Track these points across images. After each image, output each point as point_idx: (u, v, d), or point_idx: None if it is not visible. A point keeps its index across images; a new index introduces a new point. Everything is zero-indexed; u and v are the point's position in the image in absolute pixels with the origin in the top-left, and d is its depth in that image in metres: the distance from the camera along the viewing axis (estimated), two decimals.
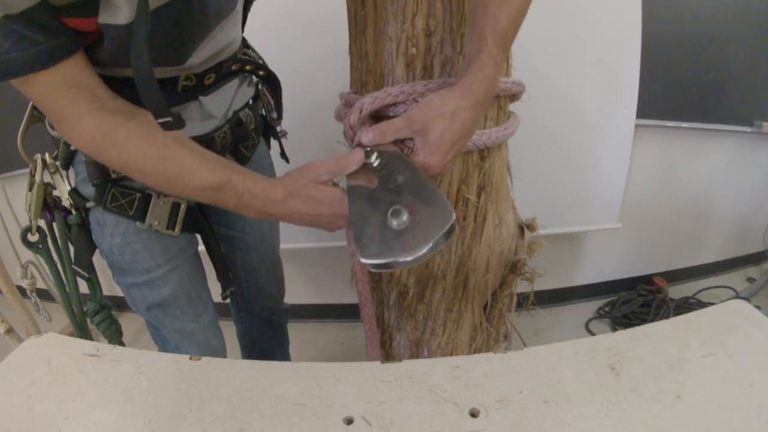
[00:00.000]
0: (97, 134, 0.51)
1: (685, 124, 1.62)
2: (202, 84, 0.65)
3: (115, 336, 0.81)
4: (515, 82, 0.66)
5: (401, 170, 0.49)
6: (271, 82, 0.82)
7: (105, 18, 0.46)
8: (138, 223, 0.66)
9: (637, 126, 1.51)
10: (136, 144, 0.51)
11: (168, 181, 0.54)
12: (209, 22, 0.56)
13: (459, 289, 0.74)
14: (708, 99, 1.60)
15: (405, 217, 0.43)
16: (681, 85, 1.57)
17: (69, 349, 0.52)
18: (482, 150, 0.65)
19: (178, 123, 0.45)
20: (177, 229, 0.69)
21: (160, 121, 0.44)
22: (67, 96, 0.49)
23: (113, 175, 0.64)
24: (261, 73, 0.79)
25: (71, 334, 0.79)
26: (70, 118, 0.51)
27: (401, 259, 0.42)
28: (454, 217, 0.43)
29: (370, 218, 0.46)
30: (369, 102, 0.58)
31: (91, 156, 0.57)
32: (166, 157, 0.52)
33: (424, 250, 0.41)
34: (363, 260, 0.43)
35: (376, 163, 0.53)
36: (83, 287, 0.77)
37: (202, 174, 0.53)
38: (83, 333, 0.81)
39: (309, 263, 1.76)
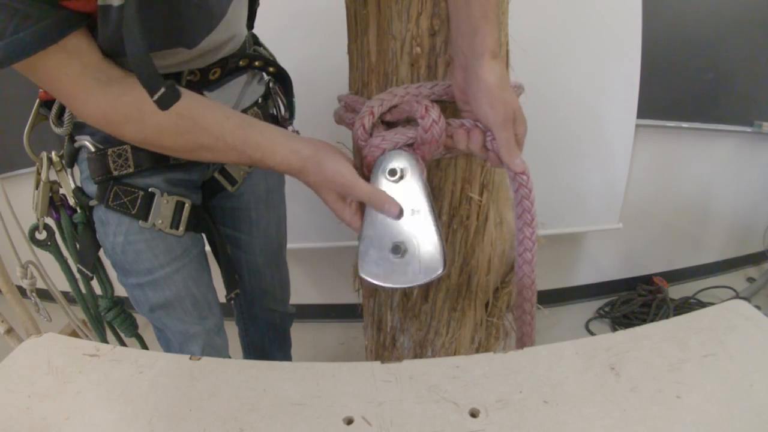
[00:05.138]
0: (110, 111, 0.51)
1: (685, 124, 1.62)
2: (207, 79, 0.64)
3: (131, 329, 0.81)
4: (514, 83, 0.66)
5: (417, 202, 0.51)
6: (282, 80, 0.81)
7: None
8: (141, 222, 0.65)
9: (637, 126, 1.50)
10: (151, 119, 0.51)
11: (191, 151, 0.55)
12: (210, 7, 0.56)
13: (463, 288, 0.74)
14: (708, 99, 1.60)
15: (402, 254, 0.50)
16: (681, 85, 1.57)
17: (69, 349, 0.52)
18: None
19: (173, 93, 0.43)
20: (181, 229, 0.68)
21: (155, 98, 0.42)
22: (75, 73, 0.49)
23: (115, 173, 0.63)
24: (271, 69, 0.77)
25: (71, 334, 0.79)
26: (81, 96, 0.50)
27: (388, 285, 0.52)
28: (442, 270, 0.50)
29: (376, 241, 0.52)
30: (378, 104, 0.58)
31: (107, 132, 0.56)
32: (186, 131, 0.53)
33: (407, 287, 0.51)
34: (361, 274, 0.53)
35: (399, 182, 0.53)
36: (95, 285, 0.77)
37: (222, 149, 0.54)
38: (100, 328, 0.81)
39: (309, 263, 1.76)
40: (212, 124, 0.54)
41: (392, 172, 0.53)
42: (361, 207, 0.55)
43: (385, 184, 0.53)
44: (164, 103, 0.43)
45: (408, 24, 0.58)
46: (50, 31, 0.44)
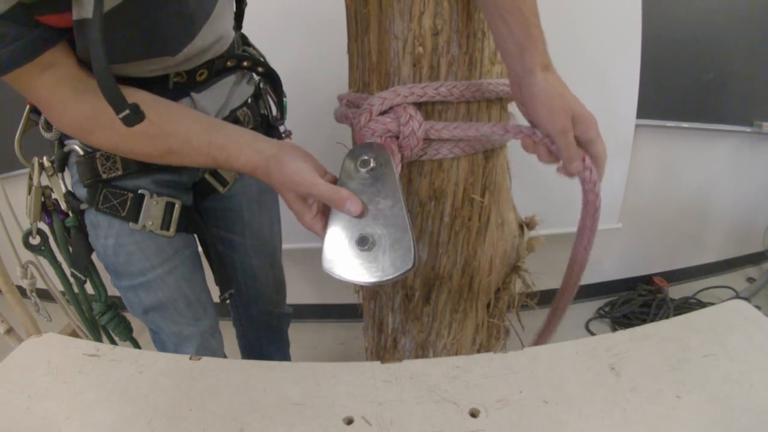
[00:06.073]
0: (84, 120, 0.53)
1: (685, 124, 1.62)
2: (194, 80, 0.64)
3: (125, 333, 0.81)
4: None
5: (388, 193, 0.50)
6: (272, 79, 0.81)
7: (77, 13, 0.46)
8: (131, 223, 0.65)
9: (637, 126, 1.50)
10: (123, 127, 0.49)
11: (160, 156, 0.56)
12: (191, 13, 0.56)
13: (464, 290, 0.74)
14: (708, 99, 1.60)
15: (369, 247, 0.48)
16: (681, 85, 1.57)
17: (69, 349, 0.52)
18: (486, 150, 0.65)
19: (136, 115, 0.44)
20: (172, 230, 0.68)
21: (121, 117, 0.43)
22: (51, 85, 0.50)
23: (104, 176, 0.63)
24: (260, 69, 0.77)
25: (71, 334, 0.79)
26: (58, 106, 0.52)
27: (353, 280, 0.48)
28: (410, 266, 0.46)
29: (342, 232, 0.50)
30: (378, 102, 0.58)
31: (82, 141, 0.58)
32: (155, 136, 0.54)
33: (373, 282, 0.47)
34: (323, 267, 0.49)
35: (369, 174, 0.52)
36: (89, 288, 0.77)
37: (189, 153, 0.55)
38: (95, 331, 0.81)
39: (309, 263, 1.75)
40: (179, 129, 0.54)
41: (364, 163, 0.52)
42: (323, 211, 0.53)
43: (357, 174, 0.52)
44: (129, 122, 0.44)
45: (410, 23, 0.58)
46: (25, 50, 0.45)
